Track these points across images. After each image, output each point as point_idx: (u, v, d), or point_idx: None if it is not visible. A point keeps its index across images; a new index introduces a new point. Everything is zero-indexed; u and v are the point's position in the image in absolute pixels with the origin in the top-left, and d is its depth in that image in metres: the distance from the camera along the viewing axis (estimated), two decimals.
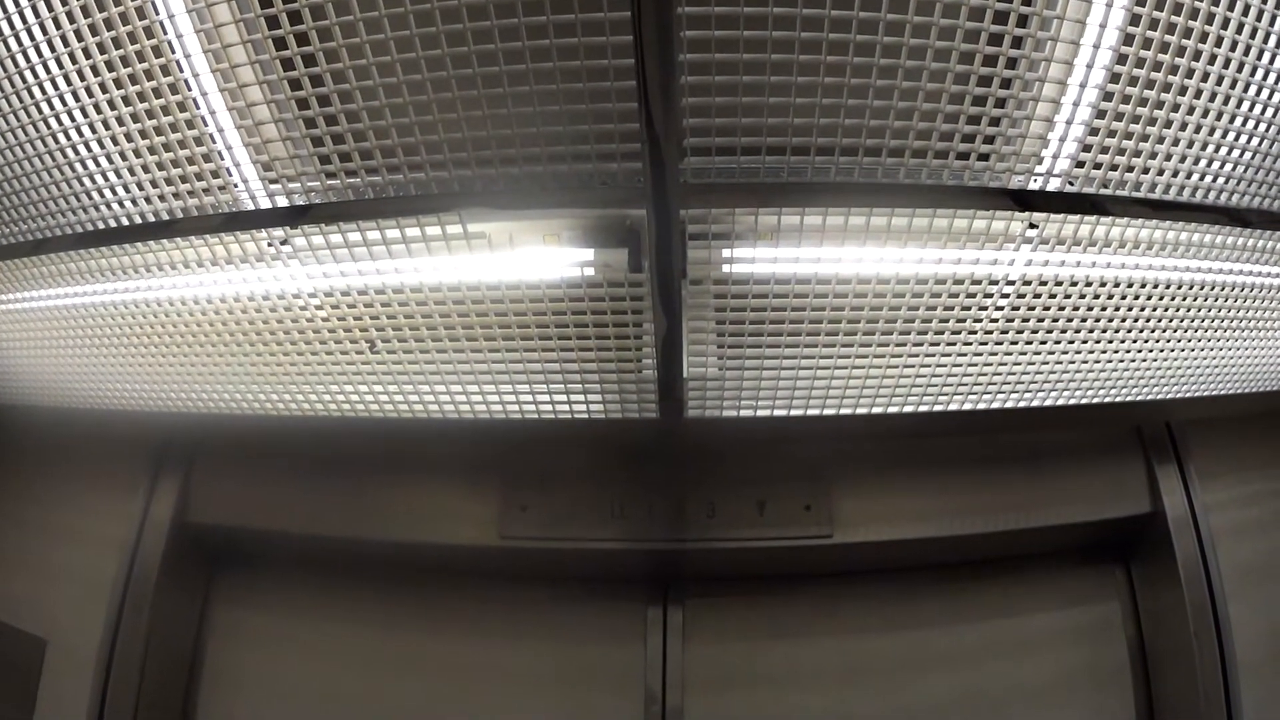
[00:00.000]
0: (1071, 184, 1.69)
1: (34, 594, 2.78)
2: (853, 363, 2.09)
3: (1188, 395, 2.46)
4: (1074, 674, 2.74)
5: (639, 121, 1.40)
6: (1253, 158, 1.71)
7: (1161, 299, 2.02)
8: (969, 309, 1.96)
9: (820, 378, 2.14)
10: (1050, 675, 2.74)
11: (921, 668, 2.76)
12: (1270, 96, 1.60)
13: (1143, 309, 2.04)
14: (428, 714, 2.76)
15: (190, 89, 1.55)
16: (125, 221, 1.85)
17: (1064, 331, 2.06)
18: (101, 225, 1.88)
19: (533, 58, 1.41)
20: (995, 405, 2.31)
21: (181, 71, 1.52)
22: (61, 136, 1.70)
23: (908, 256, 1.81)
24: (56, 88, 1.60)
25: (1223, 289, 2.04)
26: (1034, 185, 1.69)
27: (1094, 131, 1.59)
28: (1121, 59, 1.47)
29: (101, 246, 1.94)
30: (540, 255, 1.80)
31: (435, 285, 1.90)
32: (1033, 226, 1.76)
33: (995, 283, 1.90)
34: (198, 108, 1.58)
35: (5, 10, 1.51)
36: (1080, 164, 1.65)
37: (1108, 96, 1.53)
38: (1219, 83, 1.54)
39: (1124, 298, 1.99)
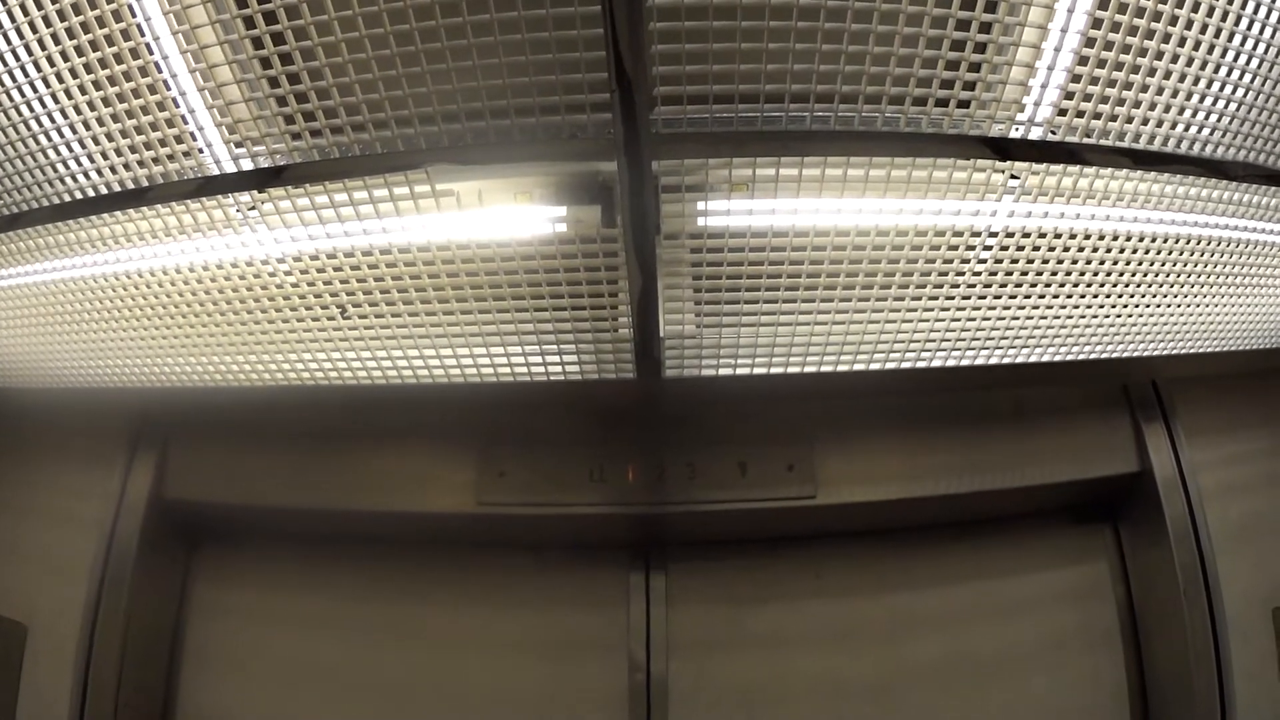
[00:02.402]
0: (1054, 133, 1.66)
1: (12, 579, 2.76)
2: (833, 318, 2.07)
3: (1173, 352, 2.46)
4: (1063, 635, 2.74)
5: (608, 70, 1.38)
6: (1237, 109, 1.69)
7: (1149, 253, 2.01)
8: (951, 262, 1.95)
9: (800, 334, 2.12)
10: (1039, 636, 2.75)
11: (908, 630, 2.76)
12: (1254, 47, 1.57)
13: (1127, 263, 2.03)
14: (409, 684, 2.76)
15: (153, 52, 1.52)
16: (92, 193, 1.83)
17: (1048, 285, 2.05)
18: (68, 198, 1.86)
19: (497, 6, 1.38)
20: (979, 361, 2.30)
21: (143, 35, 1.49)
22: (25, 109, 1.66)
23: (888, 208, 1.79)
24: (18, 58, 1.57)
25: (1204, 243, 2.03)
26: (1015, 134, 1.66)
27: (1076, 79, 1.56)
28: (1104, 3, 1.45)
29: (76, 218, 1.91)
30: (511, 213, 1.77)
31: (405, 246, 1.88)
32: (1014, 177, 1.74)
33: (978, 234, 1.89)
34: (160, 71, 1.55)
35: None
36: (1062, 112, 1.62)
37: (1090, 43, 1.50)
38: (1203, 30, 1.51)
39: (1108, 250, 1.98)
